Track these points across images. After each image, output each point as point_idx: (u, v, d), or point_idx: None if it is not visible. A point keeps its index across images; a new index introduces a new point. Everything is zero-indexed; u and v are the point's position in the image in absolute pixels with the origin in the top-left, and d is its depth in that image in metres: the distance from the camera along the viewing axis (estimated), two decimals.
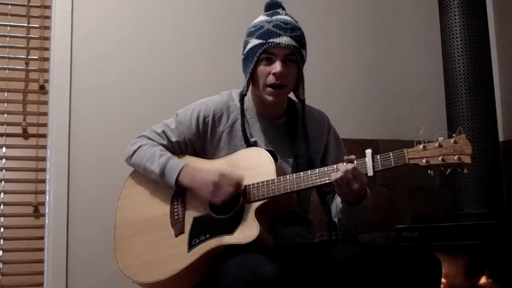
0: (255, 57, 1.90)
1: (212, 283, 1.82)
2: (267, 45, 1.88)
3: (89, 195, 2.85)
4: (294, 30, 1.91)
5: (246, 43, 1.95)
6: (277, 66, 1.88)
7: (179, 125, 2.03)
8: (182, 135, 2.02)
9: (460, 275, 2.85)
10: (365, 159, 1.73)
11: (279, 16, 1.93)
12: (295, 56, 1.91)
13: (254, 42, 1.91)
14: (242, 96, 1.99)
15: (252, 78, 1.94)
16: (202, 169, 1.93)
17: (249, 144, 1.95)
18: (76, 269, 2.79)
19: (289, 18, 1.94)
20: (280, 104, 2.00)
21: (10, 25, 2.93)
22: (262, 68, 1.91)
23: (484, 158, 2.90)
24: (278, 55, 1.89)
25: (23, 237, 2.81)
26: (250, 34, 1.94)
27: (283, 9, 1.98)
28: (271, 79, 1.90)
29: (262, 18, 1.95)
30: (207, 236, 1.84)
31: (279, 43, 1.87)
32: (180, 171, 1.92)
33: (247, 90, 1.96)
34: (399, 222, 3.16)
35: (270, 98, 1.93)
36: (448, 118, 3.03)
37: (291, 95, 2.05)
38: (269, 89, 1.91)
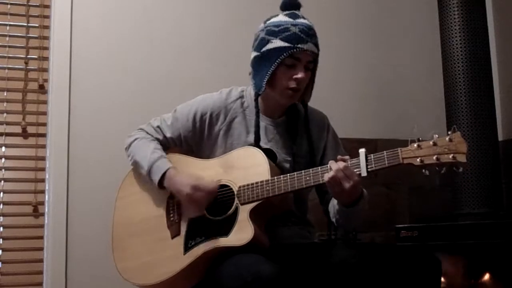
0: (279, 59, 1.88)
1: (210, 283, 1.83)
2: (294, 49, 1.87)
3: (89, 194, 2.85)
4: (315, 37, 1.92)
5: (265, 41, 1.91)
6: (300, 73, 1.88)
7: (175, 122, 2.03)
8: (177, 132, 2.03)
9: (459, 275, 2.85)
10: (358, 159, 1.72)
11: (302, 20, 1.92)
12: (314, 63, 1.93)
13: (278, 43, 1.88)
14: (257, 96, 1.96)
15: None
16: (182, 175, 1.92)
17: (258, 139, 1.94)
18: (75, 268, 2.79)
19: (310, 23, 1.93)
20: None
21: (10, 25, 2.93)
22: (283, 71, 1.89)
23: (483, 157, 2.89)
24: (302, 61, 1.89)
25: (22, 237, 2.81)
26: (272, 34, 1.90)
27: (299, 10, 1.97)
28: (292, 83, 1.89)
29: (284, 18, 1.93)
30: (203, 238, 1.84)
31: (307, 49, 1.87)
32: (165, 173, 1.92)
33: (263, 90, 1.93)
34: (399, 221, 3.16)
35: (285, 100, 1.94)
36: (448, 117, 3.03)
37: None
38: (289, 91, 1.90)
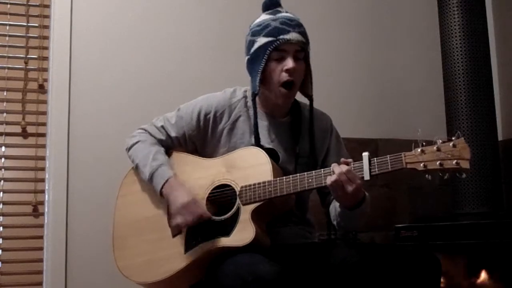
0: (266, 55, 1.89)
1: (210, 283, 1.83)
2: (277, 42, 1.87)
3: (88, 194, 2.85)
4: (300, 27, 1.92)
5: (252, 43, 1.93)
6: (289, 62, 1.88)
7: (180, 121, 2.03)
8: (182, 130, 2.02)
9: (459, 275, 2.85)
10: (361, 163, 1.72)
11: (283, 14, 1.93)
12: (303, 52, 1.92)
13: (262, 40, 1.90)
14: (254, 96, 1.96)
15: (262, 77, 1.92)
16: (180, 187, 1.92)
17: (258, 141, 1.94)
18: (75, 268, 2.79)
19: (292, 15, 1.94)
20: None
21: (9, 24, 2.93)
22: (273, 66, 1.90)
23: (483, 157, 2.89)
24: (289, 51, 1.89)
25: (22, 236, 2.81)
26: (256, 33, 1.92)
27: (282, 7, 1.98)
28: (284, 76, 1.89)
29: (265, 17, 1.95)
30: (204, 237, 1.84)
31: (290, 39, 1.88)
32: (165, 182, 1.92)
33: (259, 90, 1.93)
34: (399, 221, 3.16)
35: (281, 100, 1.93)
36: (447, 117, 3.03)
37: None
38: (282, 89, 1.91)
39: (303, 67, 1.93)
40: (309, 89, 2.00)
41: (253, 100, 1.96)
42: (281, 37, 1.87)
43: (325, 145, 2.04)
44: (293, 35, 1.88)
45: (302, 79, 1.96)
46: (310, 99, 2.01)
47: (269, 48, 1.88)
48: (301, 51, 1.91)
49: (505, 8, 3.51)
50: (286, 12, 1.96)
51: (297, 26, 1.91)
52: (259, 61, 1.90)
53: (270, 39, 1.88)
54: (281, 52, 1.89)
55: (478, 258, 2.81)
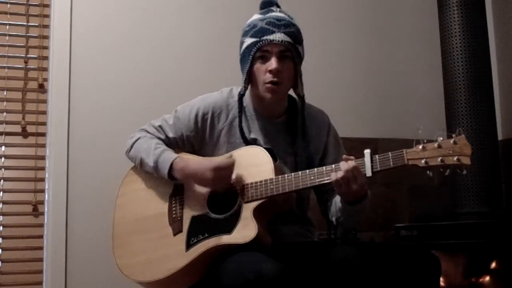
0: (250, 56, 1.90)
1: (212, 282, 1.83)
2: (260, 42, 1.89)
3: (88, 193, 2.85)
4: (288, 26, 1.91)
5: (241, 43, 1.96)
6: (272, 63, 1.89)
7: (177, 122, 2.03)
8: (180, 132, 2.03)
9: (459, 274, 2.85)
10: (363, 159, 1.73)
11: (273, 14, 1.94)
12: (290, 52, 1.91)
13: (248, 41, 1.92)
14: (240, 96, 1.98)
15: (250, 77, 1.95)
16: (192, 161, 1.93)
17: (247, 142, 1.95)
18: (75, 267, 2.79)
19: (282, 15, 1.94)
20: (279, 102, 2.00)
21: (9, 24, 2.93)
22: (258, 66, 1.91)
23: (483, 156, 2.89)
24: (272, 52, 1.90)
25: (22, 236, 2.81)
26: (245, 34, 1.95)
27: (278, 6, 1.98)
28: (268, 76, 1.90)
29: (255, 16, 1.97)
30: (205, 235, 1.84)
31: (273, 40, 1.88)
32: (172, 162, 1.92)
33: (245, 90, 1.96)
34: (399, 220, 3.16)
35: (268, 95, 1.93)
36: (447, 117, 3.03)
37: (292, 93, 2.04)
38: (266, 85, 1.91)
39: (290, 67, 1.93)
40: (300, 90, 2.00)
41: (239, 100, 1.98)
42: (264, 37, 1.88)
43: (322, 143, 2.04)
44: (277, 36, 1.88)
45: (294, 79, 1.97)
46: (302, 99, 2.02)
47: (253, 49, 1.90)
48: (287, 51, 1.91)
49: (505, 8, 3.51)
50: (280, 12, 1.95)
51: (284, 26, 1.90)
52: (245, 62, 1.93)
53: (254, 39, 1.90)
54: (265, 53, 1.90)
55: (478, 257, 2.80)
